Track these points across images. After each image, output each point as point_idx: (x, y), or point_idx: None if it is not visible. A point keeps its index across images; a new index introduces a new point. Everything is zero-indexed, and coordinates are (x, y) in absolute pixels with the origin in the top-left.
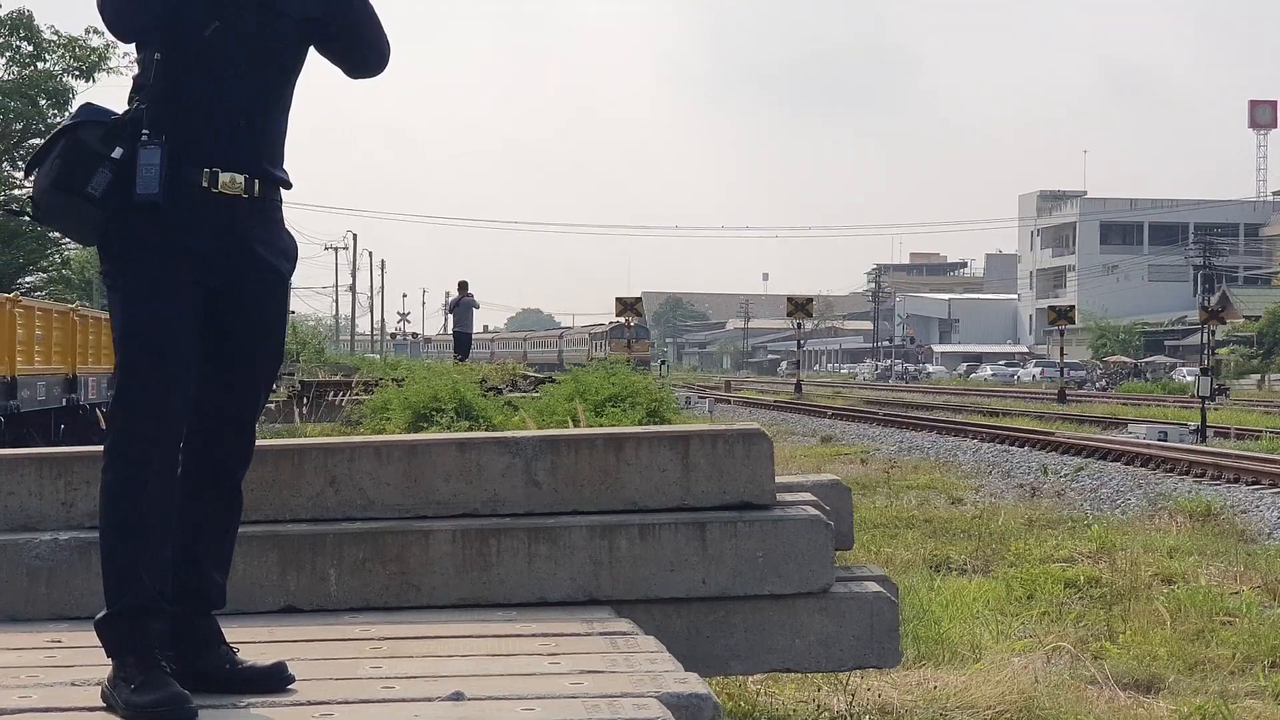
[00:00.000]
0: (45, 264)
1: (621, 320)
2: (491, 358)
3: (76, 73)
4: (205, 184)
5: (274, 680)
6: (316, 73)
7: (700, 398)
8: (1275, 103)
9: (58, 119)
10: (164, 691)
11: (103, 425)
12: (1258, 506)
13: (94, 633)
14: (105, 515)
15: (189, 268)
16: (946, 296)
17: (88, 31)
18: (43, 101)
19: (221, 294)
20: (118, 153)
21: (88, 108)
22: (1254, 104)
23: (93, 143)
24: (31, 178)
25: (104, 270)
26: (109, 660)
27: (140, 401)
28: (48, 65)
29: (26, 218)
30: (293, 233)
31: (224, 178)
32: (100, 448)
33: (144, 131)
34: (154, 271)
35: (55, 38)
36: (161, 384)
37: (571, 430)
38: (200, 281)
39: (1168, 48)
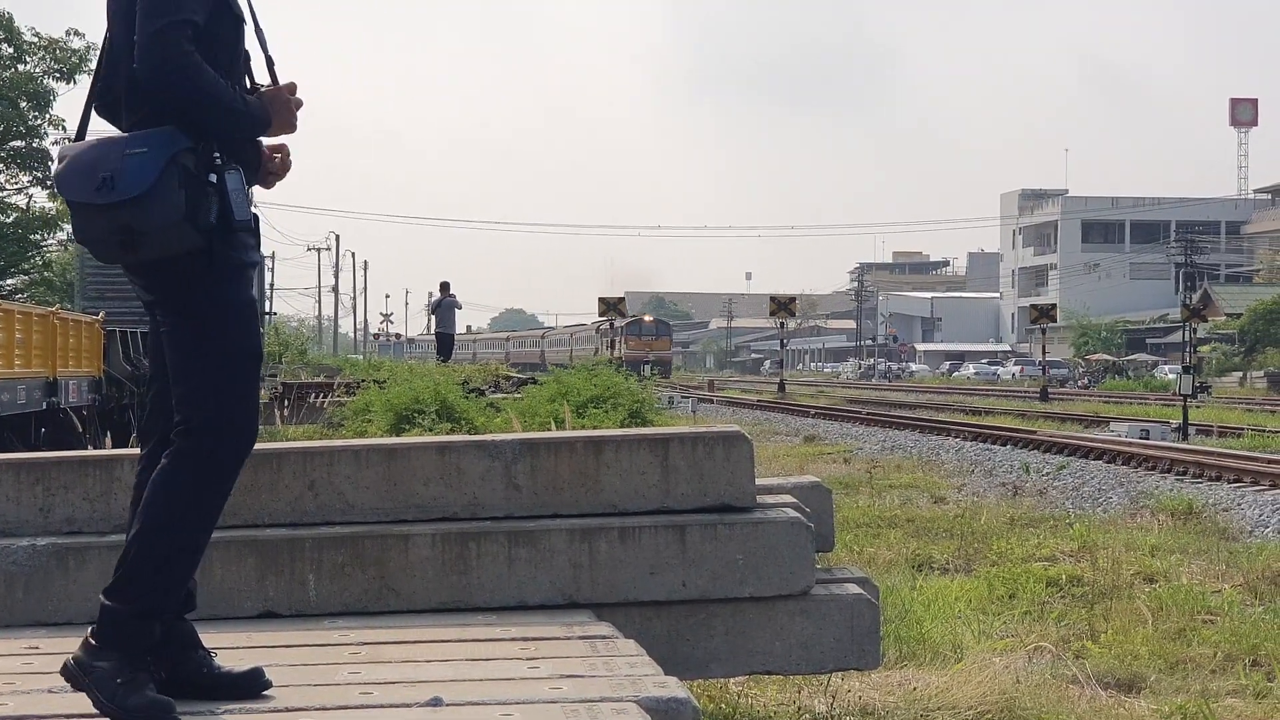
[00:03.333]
0: (27, 266)
1: (642, 316)
2: (508, 357)
3: (57, 74)
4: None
5: (250, 686)
6: (305, 73)
7: (683, 397)
8: (1256, 100)
9: (38, 121)
10: (152, 696)
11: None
12: (1239, 504)
13: (72, 639)
14: (181, 516)
15: (252, 279)
16: (929, 295)
17: (68, 33)
18: (23, 104)
19: None
20: (213, 179)
21: (169, 133)
22: (1235, 102)
23: (194, 170)
24: (111, 206)
25: (187, 289)
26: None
27: (240, 421)
28: (28, 67)
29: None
30: (276, 233)
31: (253, 191)
32: (76, 453)
33: (216, 155)
34: (249, 286)
35: (36, 40)
36: (252, 393)
37: (551, 433)
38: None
39: (1149, 46)
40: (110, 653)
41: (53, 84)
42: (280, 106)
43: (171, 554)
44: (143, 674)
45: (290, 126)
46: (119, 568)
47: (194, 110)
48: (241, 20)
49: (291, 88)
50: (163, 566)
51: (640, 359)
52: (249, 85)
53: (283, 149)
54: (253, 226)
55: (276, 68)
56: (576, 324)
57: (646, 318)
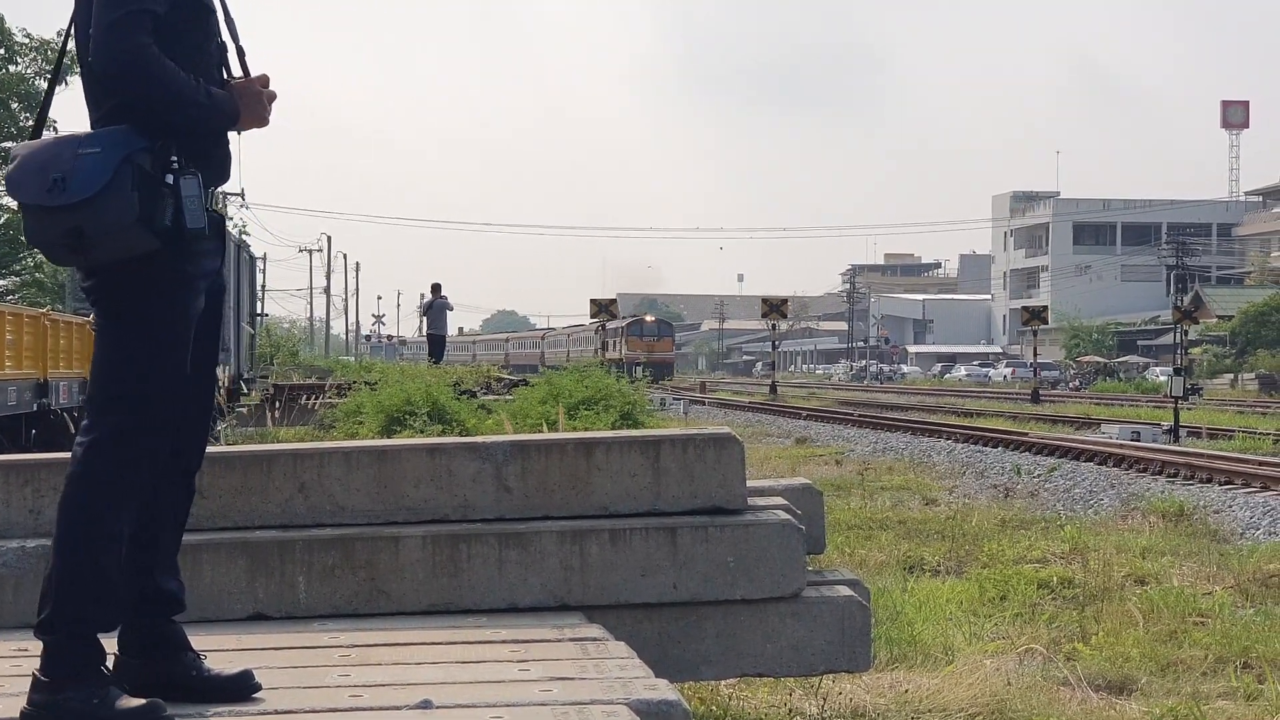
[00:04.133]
0: (18, 267)
1: (643, 316)
2: (508, 359)
3: (49, 75)
4: (209, 204)
5: (240, 688)
6: (294, 75)
7: (675, 399)
8: (1247, 103)
9: (29, 122)
10: (135, 703)
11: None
12: (1230, 506)
13: None
14: (94, 522)
15: (200, 288)
16: (921, 297)
17: (60, 34)
18: (14, 105)
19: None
20: (170, 180)
21: (124, 133)
22: (1226, 104)
23: (152, 171)
24: (62, 208)
25: (127, 296)
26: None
27: (151, 430)
28: (20, 68)
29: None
30: (268, 234)
31: (217, 195)
32: (66, 455)
33: (174, 158)
34: (191, 300)
35: (27, 41)
36: (170, 411)
37: (542, 435)
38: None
39: (1141, 48)
40: (65, 682)
41: (44, 85)
42: (250, 99)
43: (84, 562)
44: (111, 687)
45: (261, 120)
46: (42, 599)
47: (153, 104)
48: (210, 10)
49: (263, 80)
50: (79, 575)
51: (643, 361)
52: (223, 77)
53: (265, 79)
54: (208, 234)
55: (248, 58)
56: (575, 325)
57: (648, 318)
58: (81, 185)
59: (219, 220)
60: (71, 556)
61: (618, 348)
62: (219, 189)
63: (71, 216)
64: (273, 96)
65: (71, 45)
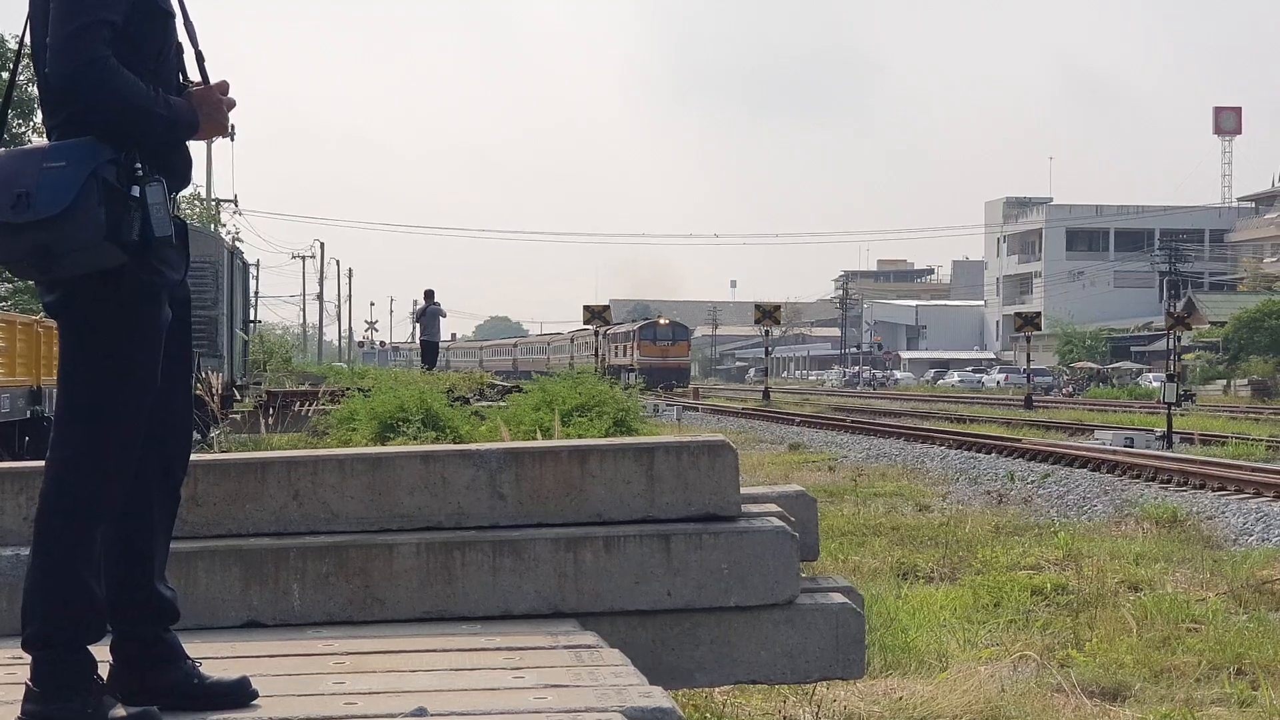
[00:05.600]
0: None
1: (657, 318)
2: (515, 364)
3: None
4: (173, 212)
5: (237, 696)
6: (290, 81)
7: (668, 405)
8: (1240, 109)
9: (23, 130)
10: (130, 711)
11: None
12: (1224, 512)
13: None
14: (70, 537)
15: (165, 298)
16: (914, 303)
17: (15, 37)
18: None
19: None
20: (136, 192)
21: (89, 145)
22: (1219, 110)
23: (116, 183)
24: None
25: (94, 308)
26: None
27: (122, 443)
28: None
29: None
30: (261, 241)
31: (178, 199)
32: None
33: (138, 166)
34: (158, 311)
35: (19, 48)
36: (140, 424)
37: (536, 443)
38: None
39: (1133, 54)
40: (57, 693)
41: (37, 91)
42: (210, 107)
43: (63, 577)
44: (105, 696)
45: (221, 128)
46: (25, 614)
47: (110, 115)
48: (169, 14)
49: (223, 86)
50: (60, 590)
51: (656, 367)
52: (181, 81)
53: (224, 86)
54: (174, 241)
55: (207, 64)
56: (580, 329)
57: (662, 320)
58: (47, 203)
59: (182, 228)
60: (50, 573)
61: (628, 353)
62: (178, 194)
63: (37, 234)
64: (232, 104)
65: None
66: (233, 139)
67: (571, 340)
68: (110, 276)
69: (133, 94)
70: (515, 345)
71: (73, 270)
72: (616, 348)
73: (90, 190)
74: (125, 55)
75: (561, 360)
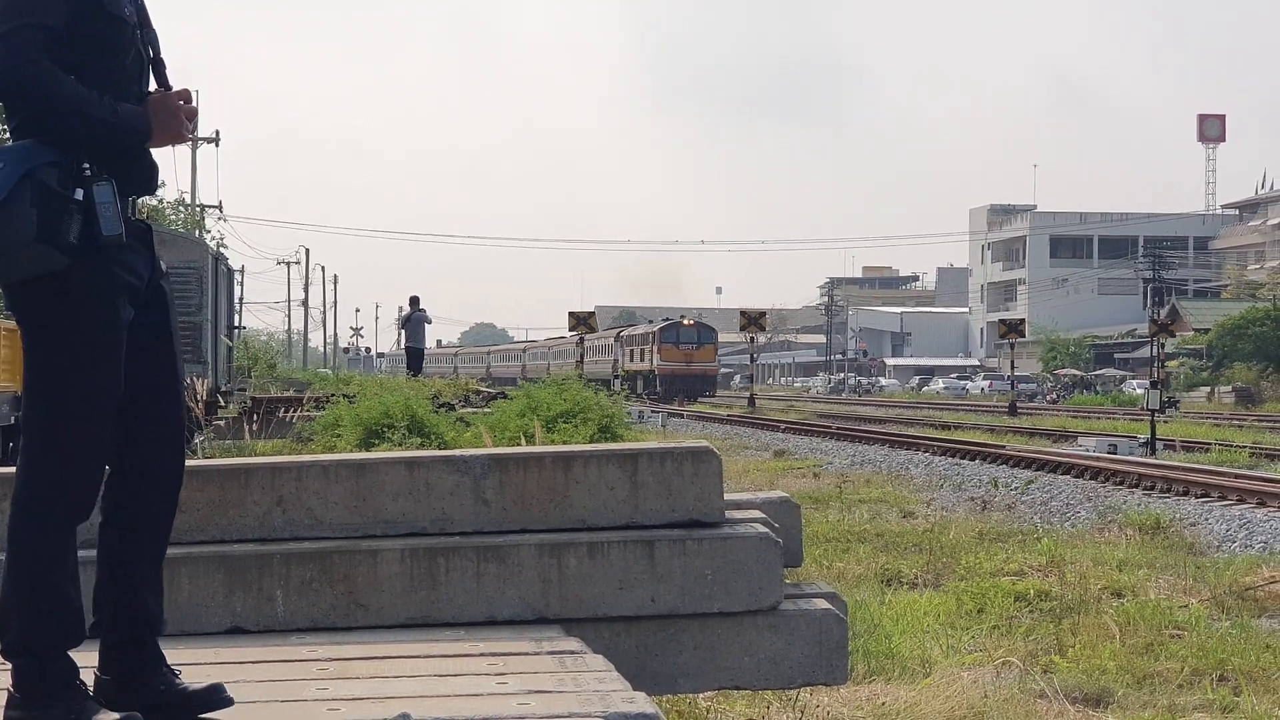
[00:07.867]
0: None
1: (680, 318)
2: (524, 369)
3: None
4: (130, 213)
5: (211, 703)
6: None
7: (653, 412)
8: (1223, 117)
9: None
10: (113, 716)
11: None
12: (1206, 519)
13: None
14: (43, 542)
15: (128, 300)
16: (899, 310)
17: None
18: None
19: (140, 310)
20: (79, 194)
21: (27, 148)
22: (1203, 118)
23: (55, 186)
24: None
25: (45, 311)
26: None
27: (87, 446)
28: None
29: None
30: (246, 246)
31: (139, 203)
32: None
33: (86, 166)
34: (112, 313)
35: None
36: (103, 427)
37: (520, 449)
38: (130, 308)
39: (1117, 62)
40: (40, 700)
41: None
42: (166, 114)
43: (38, 582)
44: (88, 702)
45: (179, 135)
46: (1, 622)
47: (50, 121)
48: (122, 21)
49: (183, 94)
50: (35, 596)
51: (680, 373)
52: (143, 90)
53: (185, 94)
54: (126, 241)
55: (167, 71)
56: (555, 337)
57: (685, 321)
58: None
59: (144, 230)
60: (25, 579)
61: (646, 358)
62: (141, 199)
63: None
64: (192, 112)
65: None
66: (217, 144)
67: (550, 349)
68: (57, 279)
69: (72, 98)
70: (524, 350)
71: (13, 274)
72: (633, 351)
73: (23, 191)
74: (69, 60)
75: (563, 366)
